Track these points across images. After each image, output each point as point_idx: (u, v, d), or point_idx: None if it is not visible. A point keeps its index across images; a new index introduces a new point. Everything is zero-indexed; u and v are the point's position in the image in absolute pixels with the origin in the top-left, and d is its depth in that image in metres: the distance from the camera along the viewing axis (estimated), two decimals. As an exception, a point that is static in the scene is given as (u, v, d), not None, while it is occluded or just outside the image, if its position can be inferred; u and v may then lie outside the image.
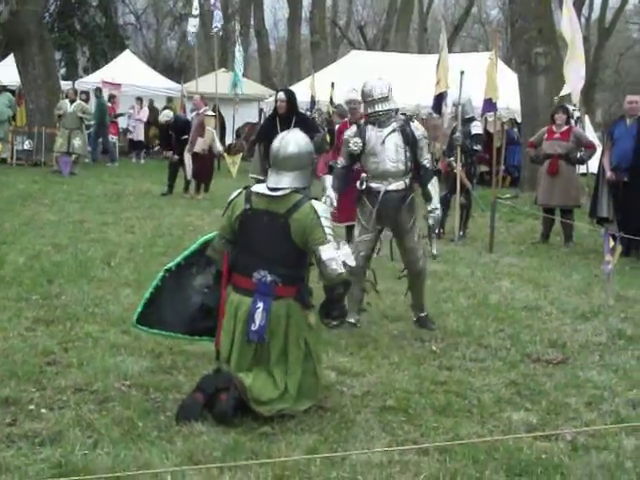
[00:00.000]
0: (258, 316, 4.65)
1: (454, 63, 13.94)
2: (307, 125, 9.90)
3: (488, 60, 11.44)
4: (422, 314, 6.76)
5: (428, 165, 6.54)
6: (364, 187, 6.47)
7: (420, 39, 42.08)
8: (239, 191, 4.92)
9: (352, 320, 6.55)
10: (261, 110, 24.44)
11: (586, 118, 16.17)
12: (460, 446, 4.24)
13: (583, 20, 41.34)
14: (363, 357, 5.80)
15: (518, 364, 5.82)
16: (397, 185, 6.42)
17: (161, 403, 4.77)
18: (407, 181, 6.47)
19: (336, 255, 4.66)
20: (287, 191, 4.74)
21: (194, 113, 15.19)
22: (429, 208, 6.52)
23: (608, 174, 10.41)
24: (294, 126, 9.39)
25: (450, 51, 17.62)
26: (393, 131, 6.43)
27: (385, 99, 6.42)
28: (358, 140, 6.45)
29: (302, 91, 18.16)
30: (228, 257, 4.86)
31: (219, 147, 15.26)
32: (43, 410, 4.58)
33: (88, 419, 4.47)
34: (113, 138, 22.65)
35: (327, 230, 4.69)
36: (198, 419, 4.46)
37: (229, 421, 4.47)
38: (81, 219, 11.41)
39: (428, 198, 6.53)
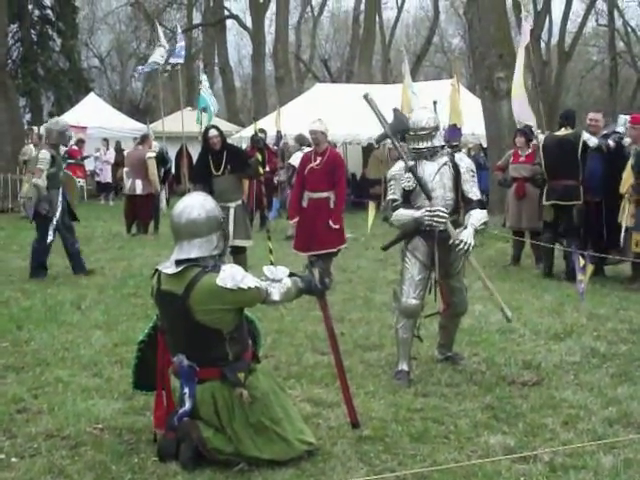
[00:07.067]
0: (187, 402, 4.43)
1: (419, 91, 14.12)
2: (240, 155, 9.93)
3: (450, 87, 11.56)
4: (450, 353, 6.50)
5: (475, 199, 6.03)
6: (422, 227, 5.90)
7: (384, 70, 42.49)
8: (155, 268, 4.58)
9: (405, 368, 6.02)
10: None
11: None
12: (438, 472, 4.21)
13: (543, 45, 42.00)
14: (338, 387, 5.72)
15: (494, 387, 5.80)
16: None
17: (134, 445, 4.69)
18: (457, 219, 6.05)
19: (280, 287, 4.53)
20: (180, 267, 4.33)
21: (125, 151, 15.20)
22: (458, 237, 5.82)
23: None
24: (226, 159, 9.42)
25: (414, 80, 17.83)
26: (444, 165, 5.99)
27: (429, 135, 5.96)
28: (410, 176, 5.92)
29: (268, 126, 18.23)
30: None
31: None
32: (14, 459, 4.49)
33: (60, 465, 4.39)
34: (80, 181, 22.52)
35: (254, 284, 4.33)
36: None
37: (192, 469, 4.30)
38: (50, 263, 11.28)
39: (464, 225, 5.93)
